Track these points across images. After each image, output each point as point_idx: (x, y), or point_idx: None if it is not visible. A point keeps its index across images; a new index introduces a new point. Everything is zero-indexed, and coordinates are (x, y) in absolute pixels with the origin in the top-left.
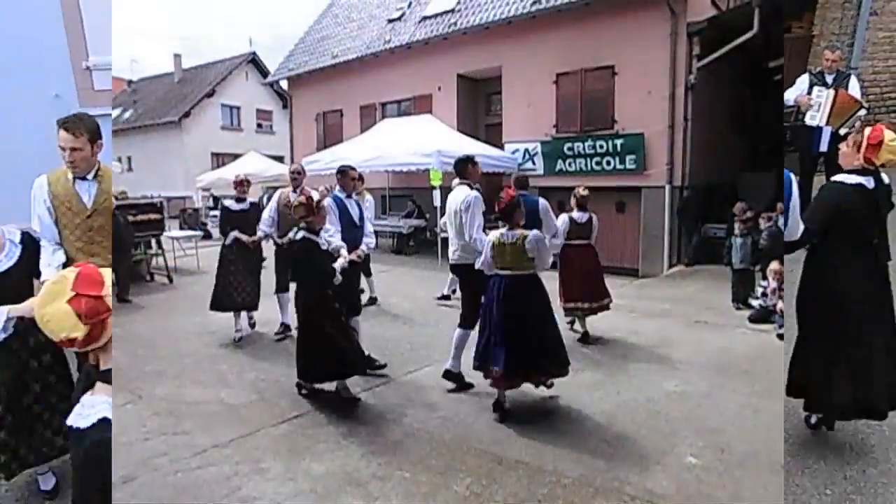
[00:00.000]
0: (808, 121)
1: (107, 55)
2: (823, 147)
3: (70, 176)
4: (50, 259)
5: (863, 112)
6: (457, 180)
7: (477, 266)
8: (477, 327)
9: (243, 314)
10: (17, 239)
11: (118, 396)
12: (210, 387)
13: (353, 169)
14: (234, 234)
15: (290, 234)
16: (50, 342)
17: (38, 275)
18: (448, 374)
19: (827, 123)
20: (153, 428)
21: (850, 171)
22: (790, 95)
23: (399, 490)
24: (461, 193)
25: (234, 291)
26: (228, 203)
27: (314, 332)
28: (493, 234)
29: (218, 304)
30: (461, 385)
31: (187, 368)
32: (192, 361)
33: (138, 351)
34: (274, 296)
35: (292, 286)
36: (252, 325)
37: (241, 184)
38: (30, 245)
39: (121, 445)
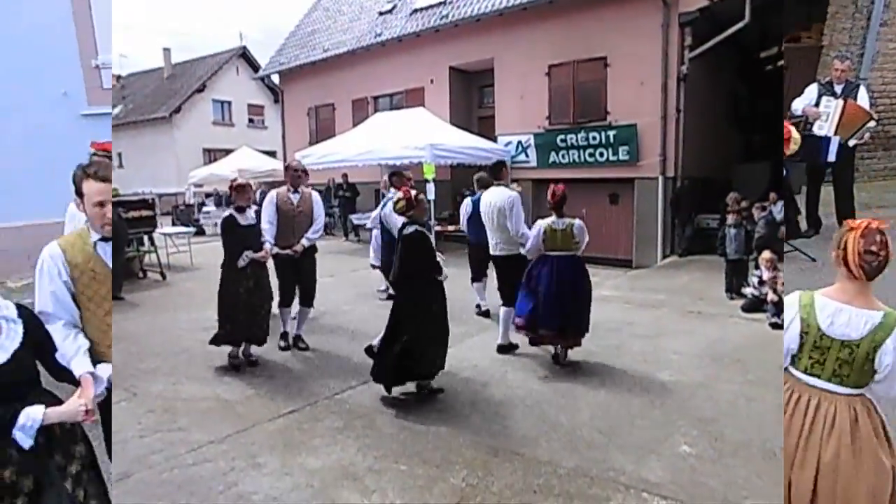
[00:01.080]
0: (817, 130)
1: (107, 54)
2: (831, 157)
3: (91, 238)
4: (73, 346)
5: (872, 123)
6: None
7: (524, 252)
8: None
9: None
10: (14, 313)
11: (113, 394)
12: (205, 383)
13: (408, 169)
14: (249, 254)
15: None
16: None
17: (49, 362)
18: (501, 348)
19: (835, 133)
20: (148, 425)
21: None
22: (798, 105)
23: (395, 483)
24: (501, 193)
25: (254, 324)
26: (236, 216)
27: (416, 330)
28: (545, 223)
29: (232, 338)
30: (512, 348)
31: (182, 365)
32: (187, 358)
33: (132, 348)
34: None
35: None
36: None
37: (244, 189)
38: (31, 320)
39: (116, 443)
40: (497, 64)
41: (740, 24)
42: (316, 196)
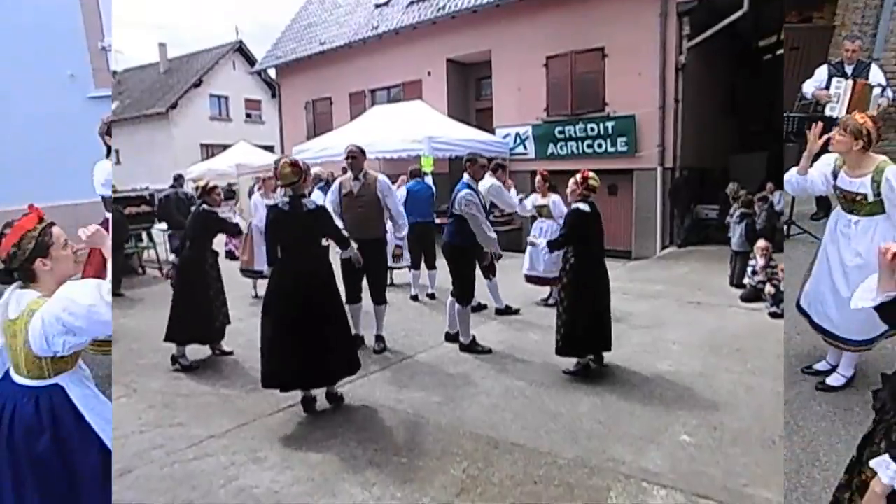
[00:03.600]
0: (829, 112)
1: (109, 36)
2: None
3: None
4: None
5: (878, 90)
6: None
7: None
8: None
9: None
10: None
11: (113, 390)
12: (204, 378)
13: (482, 156)
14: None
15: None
16: None
17: None
18: (501, 311)
19: (847, 114)
20: (149, 420)
21: None
22: (808, 87)
23: (396, 476)
24: (489, 181)
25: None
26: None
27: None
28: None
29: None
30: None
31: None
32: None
33: (132, 345)
34: None
35: None
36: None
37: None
38: None
39: (116, 439)
40: (494, 56)
41: (739, 13)
42: (383, 179)
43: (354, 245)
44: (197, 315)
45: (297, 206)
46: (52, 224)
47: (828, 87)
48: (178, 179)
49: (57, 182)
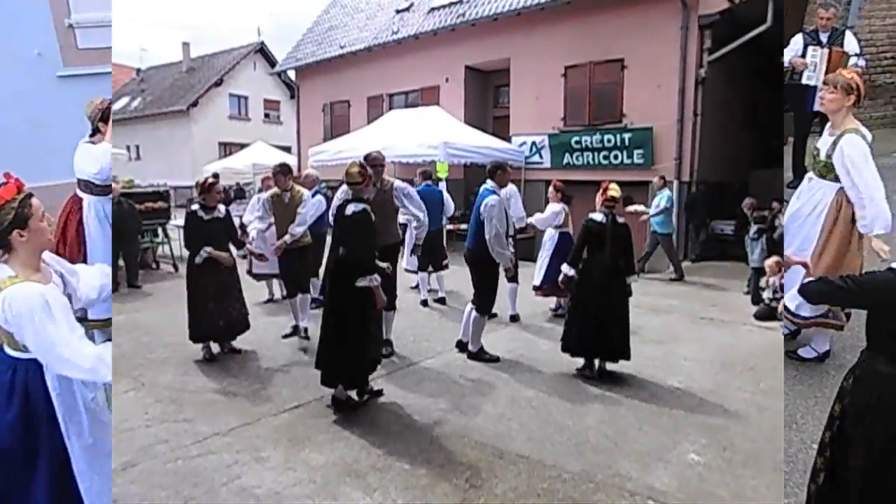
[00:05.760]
0: (805, 80)
1: (106, 11)
2: (817, 106)
3: None
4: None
5: (854, 59)
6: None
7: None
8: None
9: None
10: None
11: (121, 383)
12: (212, 375)
13: (509, 164)
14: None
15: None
16: None
17: None
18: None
19: (823, 83)
20: (155, 415)
21: None
22: (786, 56)
23: (398, 482)
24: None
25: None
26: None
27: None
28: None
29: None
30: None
31: (190, 356)
32: (196, 349)
33: (142, 338)
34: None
35: None
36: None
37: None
38: None
39: (122, 432)
40: (513, 64)
41: (762, 28)
42: (400, 184)
43: (378, 277)
44: (198, 314)
45: (343, 208)
46: (31, 195)
47: (803, 56)
48: (216, 178)
49: (31, 163)
